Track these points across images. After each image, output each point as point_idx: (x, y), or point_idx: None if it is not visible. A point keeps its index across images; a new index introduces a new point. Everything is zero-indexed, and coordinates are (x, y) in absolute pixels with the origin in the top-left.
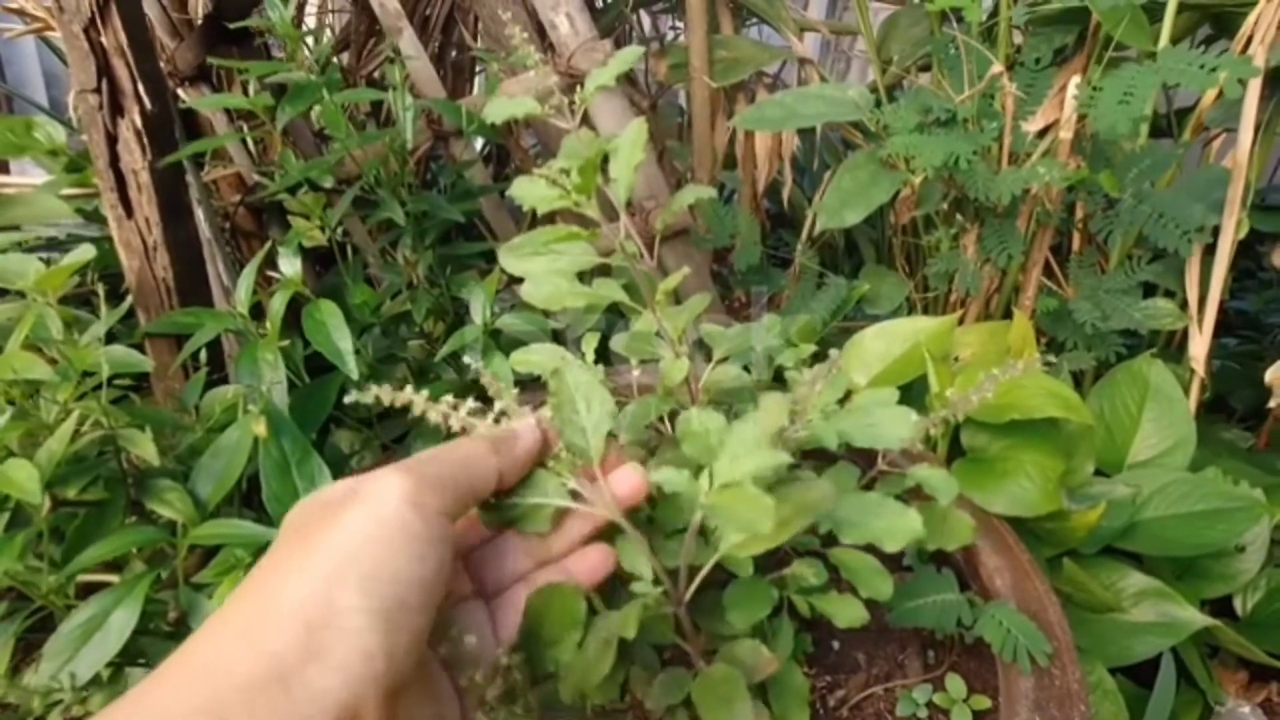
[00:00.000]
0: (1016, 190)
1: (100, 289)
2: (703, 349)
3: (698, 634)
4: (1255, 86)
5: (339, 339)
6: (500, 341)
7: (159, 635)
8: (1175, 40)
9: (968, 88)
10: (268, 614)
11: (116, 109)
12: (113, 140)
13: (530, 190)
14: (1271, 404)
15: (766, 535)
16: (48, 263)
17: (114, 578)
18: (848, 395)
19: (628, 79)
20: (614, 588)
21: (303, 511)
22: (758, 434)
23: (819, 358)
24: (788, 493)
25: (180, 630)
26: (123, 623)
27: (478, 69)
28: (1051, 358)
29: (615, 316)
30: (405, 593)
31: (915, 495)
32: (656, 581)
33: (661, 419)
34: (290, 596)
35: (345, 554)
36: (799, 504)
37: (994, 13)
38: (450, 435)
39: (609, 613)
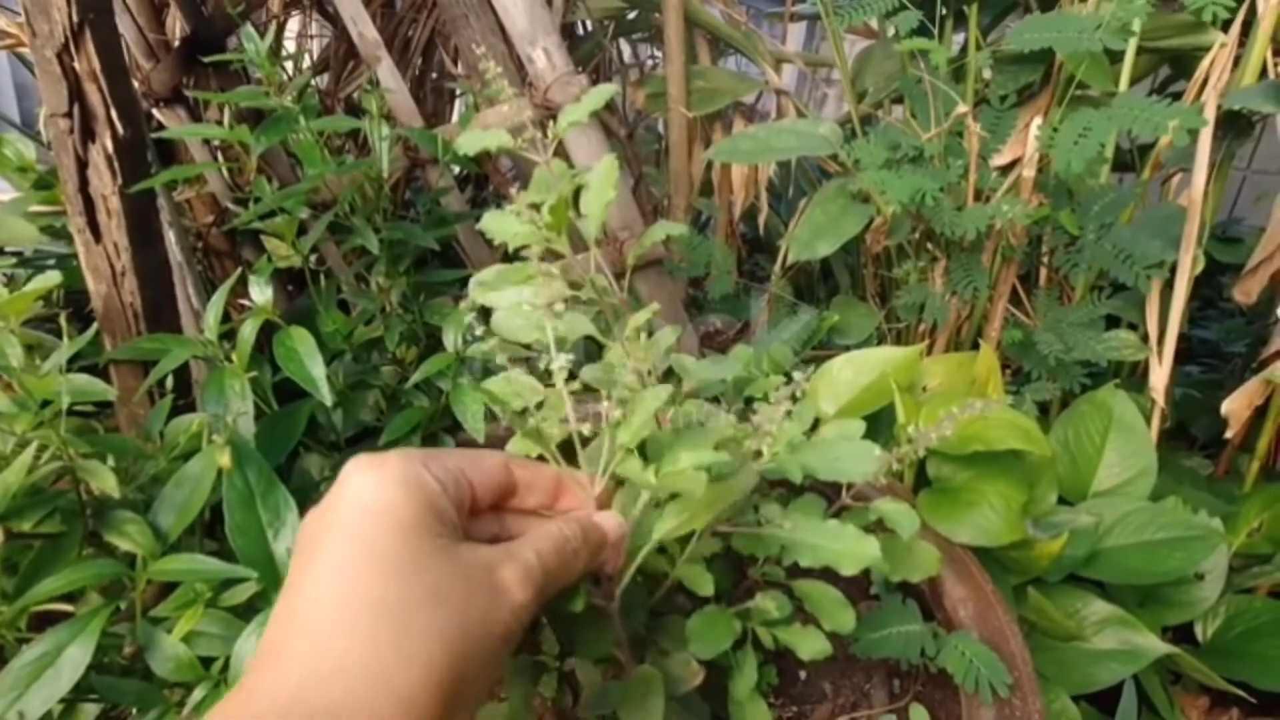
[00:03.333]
0: (981, 226)
1: (65, 310)
2: (674, 378)
3: (635, 647)
4: (1208, 129)
5: (311, 365)
6: (473, 369)
7: (114, 671)
8: (1136, 80)
9: (935, 125)
10: (419, 693)
11: (88, 134)
12: (83, 165)
13: (501, 225)
14: (1229, 433)
15: (697, 513)
16: (11, 282)
17: (69, 607)
18: (816, 424)
19: (606, 108)
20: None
21: (411, 517)
22: (707, 438)
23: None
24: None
25: (136, 665)
26: (76, 659)
27: (459, 93)
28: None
29: (590, 343)
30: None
31: (880, 527)
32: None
33: (630, 451)
34: (442, 684)
35: (485, 660)
36: (723, 489)
37: (965, 50)
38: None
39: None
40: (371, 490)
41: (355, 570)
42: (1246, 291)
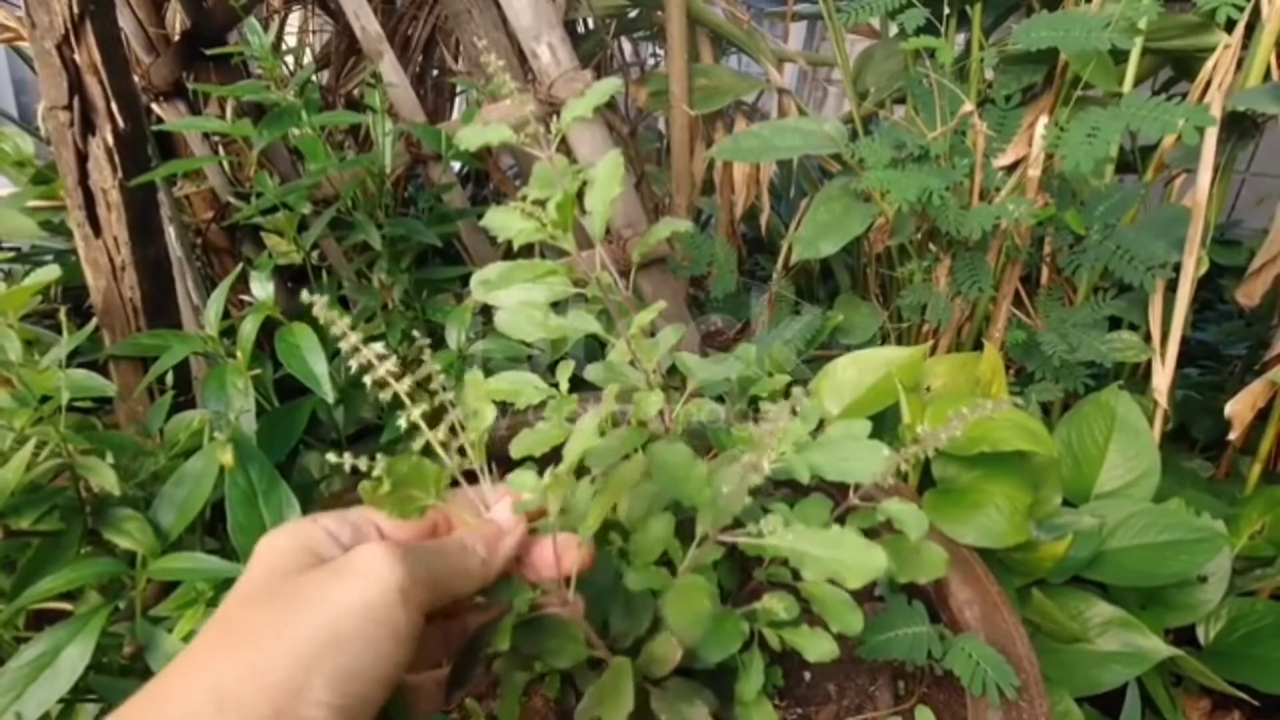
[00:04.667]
0: (986, 226)
1: (64, 306)
2: (678, 376)
3: (604, 640)
4: (1213, 130)
5: (313, 362)
6: (475, 367)
7: (112, 671)
8: (1137, 82)
9: (940, 124)
10: (241, 688)
11: (88, 127)
12: (83, 158)
13: (505, 221)
14: (1231, 436)
15: (605, 501)
16: (9, 277)
17: (68, 606)
18: (821, 425)
19: (609, 105)
20: None
21: (285, 555)
22: (592, 424)
23: (793, 388)
24: (616, 472)
25: (135, 665)
26: (75, 659)
27: (460, 89)
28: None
29: (593, 341)
30: (370, 691)
31: (887, 528)
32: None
33: (636, 451)
34: (267, 673)
35: (327, 639)
36: (627, 469)
37: (966, 50)
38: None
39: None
40: (261, 544)
41: (223, 611)
42: (1249, 294)
